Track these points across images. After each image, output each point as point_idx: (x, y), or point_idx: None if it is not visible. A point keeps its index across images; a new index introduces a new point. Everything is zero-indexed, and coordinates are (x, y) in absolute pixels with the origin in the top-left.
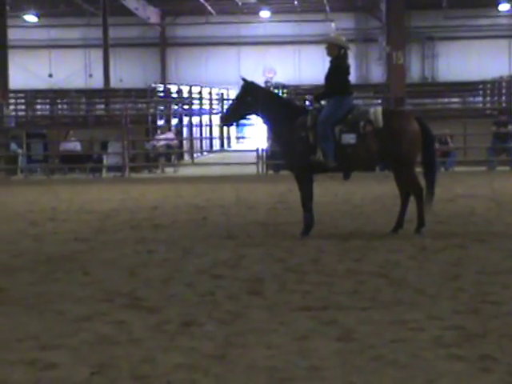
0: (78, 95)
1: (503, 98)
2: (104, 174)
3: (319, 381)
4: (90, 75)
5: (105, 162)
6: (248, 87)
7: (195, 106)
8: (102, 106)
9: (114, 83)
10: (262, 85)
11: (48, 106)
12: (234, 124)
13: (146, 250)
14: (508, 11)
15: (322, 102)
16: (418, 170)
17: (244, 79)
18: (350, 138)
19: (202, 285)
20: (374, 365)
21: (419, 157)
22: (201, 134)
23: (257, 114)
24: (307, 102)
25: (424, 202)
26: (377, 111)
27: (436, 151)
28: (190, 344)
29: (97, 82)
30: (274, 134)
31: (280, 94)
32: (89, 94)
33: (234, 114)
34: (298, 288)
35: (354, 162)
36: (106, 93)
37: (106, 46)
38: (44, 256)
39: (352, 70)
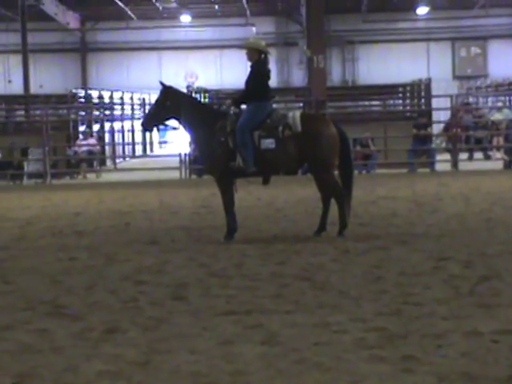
0: None
1: (422, 100)
2: (25, 180)
3: None
4: (9, 81)
5: (25, 168)
6: (166, 92)
7: (117, 112)
8: (22, 112)
9: (34, 89)
10: (184, 89)
11: None
12: (155, 129)
13: (68, 257)
14: (425, 15)
15: (243, 107)
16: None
17: (162, 84)
18: (269, 143)
19: (126, 291)
20: (297, 368)
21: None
22: (123, 140)
23: (176, 119)
24: (224, 107)
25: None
26: (295, 115)
27: (352, 154)
28: (114, 351)
29: (16, 87)
30: (194, 138)
31: (201, 99)
32: (8, 99)
33: (153, 120)
34: (222, 293)
35: (274, 167)
36: (26, 99)
37: (24, 52)
38: None
39: (273, 74)
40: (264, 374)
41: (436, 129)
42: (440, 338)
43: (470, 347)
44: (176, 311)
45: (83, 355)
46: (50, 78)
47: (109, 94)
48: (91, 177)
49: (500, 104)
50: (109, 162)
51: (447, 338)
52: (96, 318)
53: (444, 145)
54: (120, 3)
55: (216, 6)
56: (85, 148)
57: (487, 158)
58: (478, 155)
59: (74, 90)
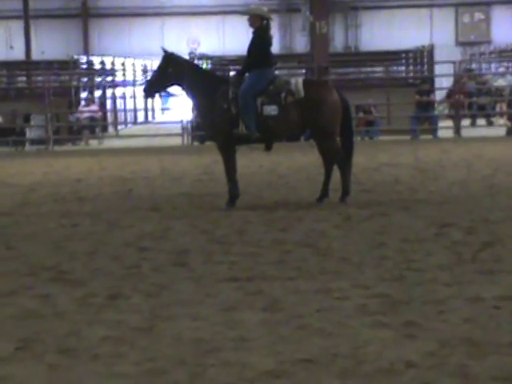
0: None
1: (425, 66)
2: (27, 147)
3: (246, 351)
4: (11, 47)
5: (28, 135)
6: (168, 58)
7: (119, 78)
8: (24, 79)
9: (35, 55)
10: (186, 56)
11: None
12: (157, 96)
13: (71, 224)
14: None
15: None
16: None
17: (164, 50)
18: (271, 110)
19: (128, 257)
20: (300, 334)
21: None
22: (125, 106)
23: (178, 86)
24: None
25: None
26: (298, 82)
27: (354, 121)
28: (117, 317)
29: (18, 54)
30: (196, 105)
31: (203, 65)
32: (10, 66)
33: (155, 86)
34: (224, 259)
35: (277, 133)
36: (28, 65)
37: (26, 18)
38: None
39: (276, 41)
40: (266, 340)
41: (439, 95)
42: (442, 303)
43: (472, 313)
44: (178, 277)
45: (86, 321)
46: (51, 44)
47: (111, 60)
48: (93, 143)
49: (503, 70)
50: (111, 129)
51: (449, 303)
52: (99, 283)
53: (447, 111)
54: None
55: None
56: (87, 114)
57: (490, 124)
58: (481, 122)
59: (75, 56)
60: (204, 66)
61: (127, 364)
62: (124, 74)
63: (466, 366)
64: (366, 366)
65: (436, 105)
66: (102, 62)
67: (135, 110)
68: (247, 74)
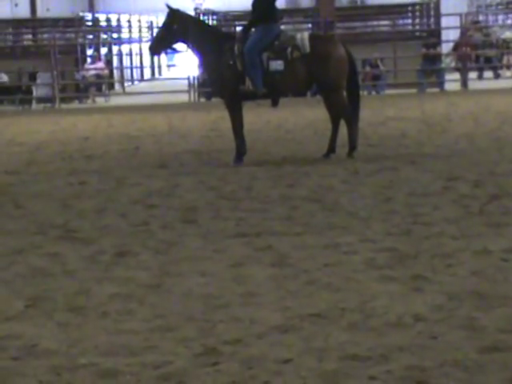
0: (4, 25)
1: (432, 19)
2: (33, 105)
3: (255, 306)
4: (16, 4)
5: (34, 93)
6: (173, 15)
7: (124, 35)
8: (30, 37)
9: (40, 13)
10: (191, 12)
11: None
12: (163, 53)
13: (78, 182)
14: None
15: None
16: None
17: (169, 6)
18: (277, 65)
19: (136, 215)
20: (308, 289)
21: None
22: (131, 63)
23: (184, 43)
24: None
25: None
26: (303, 36)
27: (360, 75)
28: (125, 274)
29: (23, 11)
30: (202, 62)
31: (208, 21)
32: (15, 23)
33: (160, 44)
34: (232, 215)
35: (283, 89)
36: (33, 22)
37: None
38: None
39: None
40: (275, 295)
41: (445, 48)
42: (449, 257)
43: (480, 266)
44: (186, 234)
45: (95, 278)
46: (56, 0)
47: (116, 17)
48: (100, 101)
49: (510, 22)
50: (117, 86)
51: (457, 257)
52: (107, 241)
53: (453, 64)
54: None
55: None
56: (93, 72)
57: (497, 76)
58: (488, 74)
59: (81, 14)
60: (209, 22)
61: (136, 321)
62: (130, 31)
63: (474, 318)
64: (374, 320)
65: (443, 58)
66: (108, 19)
67: (142, 67)
68: (253, 30)
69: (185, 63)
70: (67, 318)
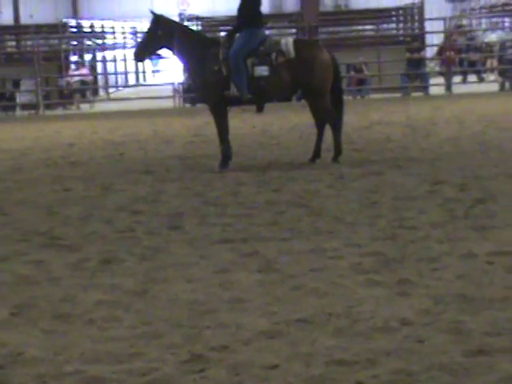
0: None
1: (416, 24)
2: (17, 112)
3: (241, 312)
4: None
5: (18, 100)
6: (158, 21)
7: (109, 41)
8: (13, 43)
9: (24, 19)
10: (176, 18)
11: None
12: (147, 59)
13: (63, 188)
14: None
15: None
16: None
17: (153, 12)
18: (262, 70)
19: (121, 221)
20: (294, 294)
21: None
22: (115, 69)
23: (168, 48)
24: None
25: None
26: (288, 42)
27: (345, 80)
28: (111, 281)
29: (6, 18)
30: (187, 67)
31: (193, 27)
32: None
33: (145, 50)
34: (218, 221)
35: (268, 94)
36: (17, 29)
37: None
38: None
39: (265, 0)
40: (261, 300)
41: (429, 52)
42: (435, 261)
43: (465, 269)
44: (172, 240)
45: (80, 285)
46: (40, 7)
47: (100, 23)
48: (84, 107)
49: (493, 25)
50: (102, 92)
51: (442, 260)
52: (92, 248)
53: (437, 68)
54: None
55: None
56: (77, 78)
57: (481, 80)
58: (472, 78)
59: (64, 20)
60: (194, 28)
61: (122, 328)
62: (114, 37)
63: (460, 322)
64: (360, 324)
65: (427, 62)
66: (92, 26)
67: (126, 73)
68: (238, 35)
69: (169, 69)
70: (53, 326)
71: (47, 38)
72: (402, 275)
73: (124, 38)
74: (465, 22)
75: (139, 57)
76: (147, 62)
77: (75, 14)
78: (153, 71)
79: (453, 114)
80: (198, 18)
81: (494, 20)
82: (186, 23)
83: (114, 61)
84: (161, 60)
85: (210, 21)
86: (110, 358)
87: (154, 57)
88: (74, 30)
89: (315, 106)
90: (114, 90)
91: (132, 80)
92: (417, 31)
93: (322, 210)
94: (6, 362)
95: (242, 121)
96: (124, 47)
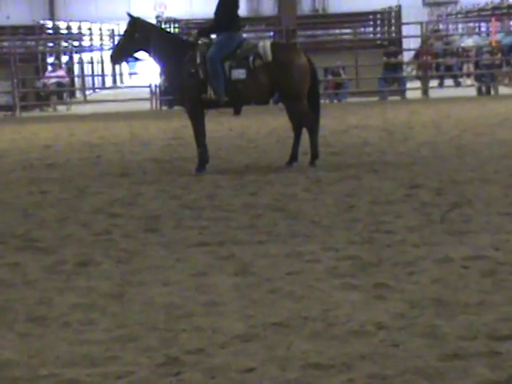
0: None
1: (393, 28)
2: None
3: (217, 316)
4: None
5: None
6: (135, 23)
7: (86, 43)
8: None
9: (0, 20)
10: (153, 20)
11: None
12: (124, 61)
13: (40, 191)
14: None
15: (213, 37)
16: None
17: (130, 15)
18: (239, 74)
19: (98, 224)
20: (270, 297)
21: None
22: (92, 71)
23: (145, 51)
24: (191, 38)
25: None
26: (265, 45)
27: (322, 83)
28: (87, 284)
29: None
30: (164, 70)
31: (170, 29)
32: None
33: (122, 52)
34: (195, 224)
35: (245, 97)
36: None
37: None
38: None
39: (243, 3)
40: (237, 304)
41: (406, 56)
42: (411, 265)
43: (441, 273)
44: (149, 243)
45: (56, 288)
46: (16, 8)
47: (77, 24)
48: (61, 109)
49: (470, 30)
50: (79, 94)
51: (418, 265)
52: (68, 251)
53: (414, 72)
54: None
55: None
56: (54, 80)
57: (457, 84)
58: (449, 82)
59: (41, 21)
60: (171, 30)
61: (98, 331)
62: (91, 39)
63: (435, 326)
64: (336, 328)
65: (404, 66)
66: (69, 27)
67: (103, 75)
68: (215, 38)
69: (146, 71)
70: (28, 329)
71: (24, 39)
72: (378, 279)
73: (101, 39)
74: (441, 26)
75: (116, 59)
76: (124, 64)
77: (52, 16)
78: (130, 73)
79: (430, 118)
80: (175, 21)
81: (471, 25)
82: (163, 26)
83: (91, 63)
84: (138, 63)
85: (187, 23)
86: (86, 361)
87: (130, 59)
88: (51, 31)
89: (292, 109)
90: (90, 92)
91: (109, 82)
92: (394, 35)
93: (299, 214)
94: None
95: (219, 124)
96: (101, 49)
